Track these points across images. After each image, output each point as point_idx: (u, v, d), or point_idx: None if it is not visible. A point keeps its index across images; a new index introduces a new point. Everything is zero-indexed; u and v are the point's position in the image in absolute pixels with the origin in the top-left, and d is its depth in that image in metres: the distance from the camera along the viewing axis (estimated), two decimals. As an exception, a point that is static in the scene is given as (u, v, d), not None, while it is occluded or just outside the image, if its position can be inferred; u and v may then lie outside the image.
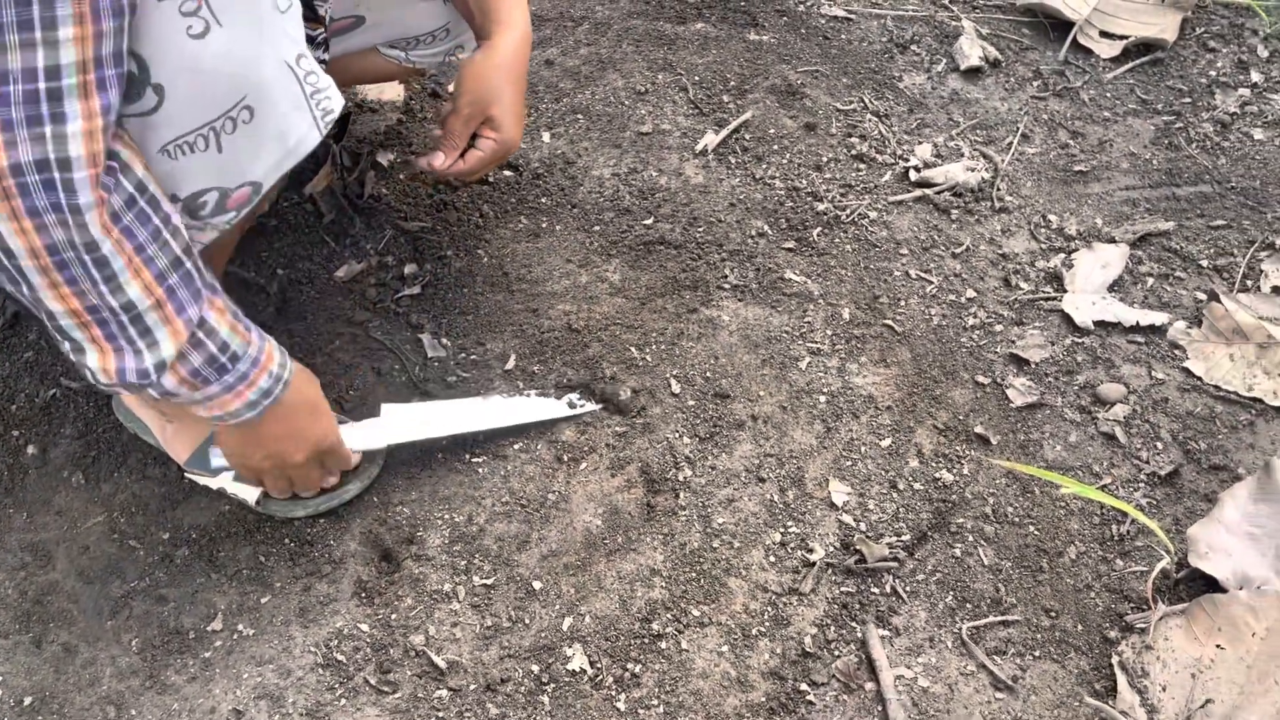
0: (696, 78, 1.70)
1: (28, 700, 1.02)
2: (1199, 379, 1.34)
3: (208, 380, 0.93)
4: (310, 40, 1.10)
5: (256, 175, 0.91)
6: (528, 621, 1.09)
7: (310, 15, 1.14)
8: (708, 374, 1.31)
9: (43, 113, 0.75)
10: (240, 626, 1.07)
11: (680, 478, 1.21)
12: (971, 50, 1.77)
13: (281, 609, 1.09)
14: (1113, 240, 1.50)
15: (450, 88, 1.20)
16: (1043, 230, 1.52)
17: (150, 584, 1.10)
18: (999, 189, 1.57)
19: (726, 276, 1.42)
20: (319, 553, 1.13)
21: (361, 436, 1.16)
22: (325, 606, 1.09)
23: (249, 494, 1.14)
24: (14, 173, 0.75)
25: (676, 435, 1.25)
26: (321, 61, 1.15)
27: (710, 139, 1.60)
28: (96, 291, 0.83)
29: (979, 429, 1.28)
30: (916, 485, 1.22)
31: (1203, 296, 1.43)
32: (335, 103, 0.94)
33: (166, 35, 0.81)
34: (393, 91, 1.59)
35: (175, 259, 0.87)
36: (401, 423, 1.19)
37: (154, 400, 0.98)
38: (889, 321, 1.39)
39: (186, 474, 1.15)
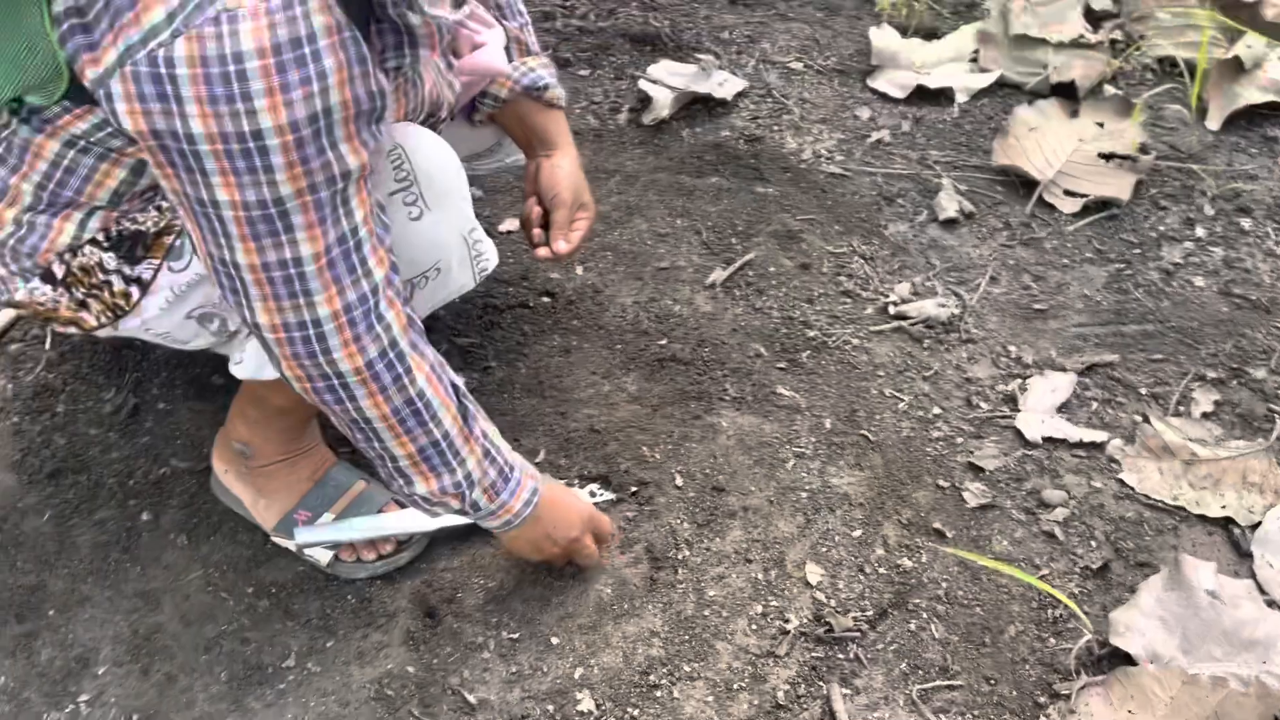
0: (710, 223, 1.98)
1: (136, 718, 1.24)
2: (1131, 489, 1.55)
3: (498, 491, 1.20)
4: None
5: (422, 313, 1.20)
6: (546, 670, 1.31)
7: None
8: (707, 471, 1.55)
9: (381, 310, 1.05)
10: (309, 665, 1.30)
11: (679, 557, 1.44)
12: (949, 204, 2.05)
13: (343, 652, 1.31)
14: (1063, 369, 1.73)
15: (529, 189, 1.49)
16: (1003, 359, 1.76)
17: (237, 628, 1.33)
18: (967, 323, 1.82)
19: (727, 390, 1.67)
20: (375, 607, 1.36)
21: (416, 518, 1.40)
22: (379, 651, 1.32)
23: (322, 558, 1.38)
24: (370, 366, 1.05)
25: (678, 521, 1.48)
26: None
27: (719, 274, 1.87)
28: (424, 430, 1.11)
29: (937, 525, 1.49)
30: (881, 570, 1.44)
31: (1139, 419, 1.65)
32: (491, 260, 1.27)
33: (398, 219, 1.12)
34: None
35: (457, 388, 1.15)
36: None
37: (453, 511, 1.23)
38: (865, 432, 1.62)
39: (272, 539, 1.40)
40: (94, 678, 1.26)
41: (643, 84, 2.26)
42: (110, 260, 1.15)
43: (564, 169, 1.47)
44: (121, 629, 1.31)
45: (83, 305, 1.18)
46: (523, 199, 1.50)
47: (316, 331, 1.03)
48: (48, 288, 1.17)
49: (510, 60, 1.45)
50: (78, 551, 1.38)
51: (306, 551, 1.38)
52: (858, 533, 1.48)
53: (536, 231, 1.47)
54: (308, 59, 0.91)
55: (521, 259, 1.87)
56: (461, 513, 1.23)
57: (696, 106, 2.27)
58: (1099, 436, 1.62)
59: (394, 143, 1.14)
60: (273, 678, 1.28)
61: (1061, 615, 1.39)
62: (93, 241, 1.14)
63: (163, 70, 0.89)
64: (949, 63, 2.44)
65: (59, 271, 1.16)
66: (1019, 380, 1.72)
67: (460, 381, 1.19)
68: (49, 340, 1.62)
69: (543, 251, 1.46)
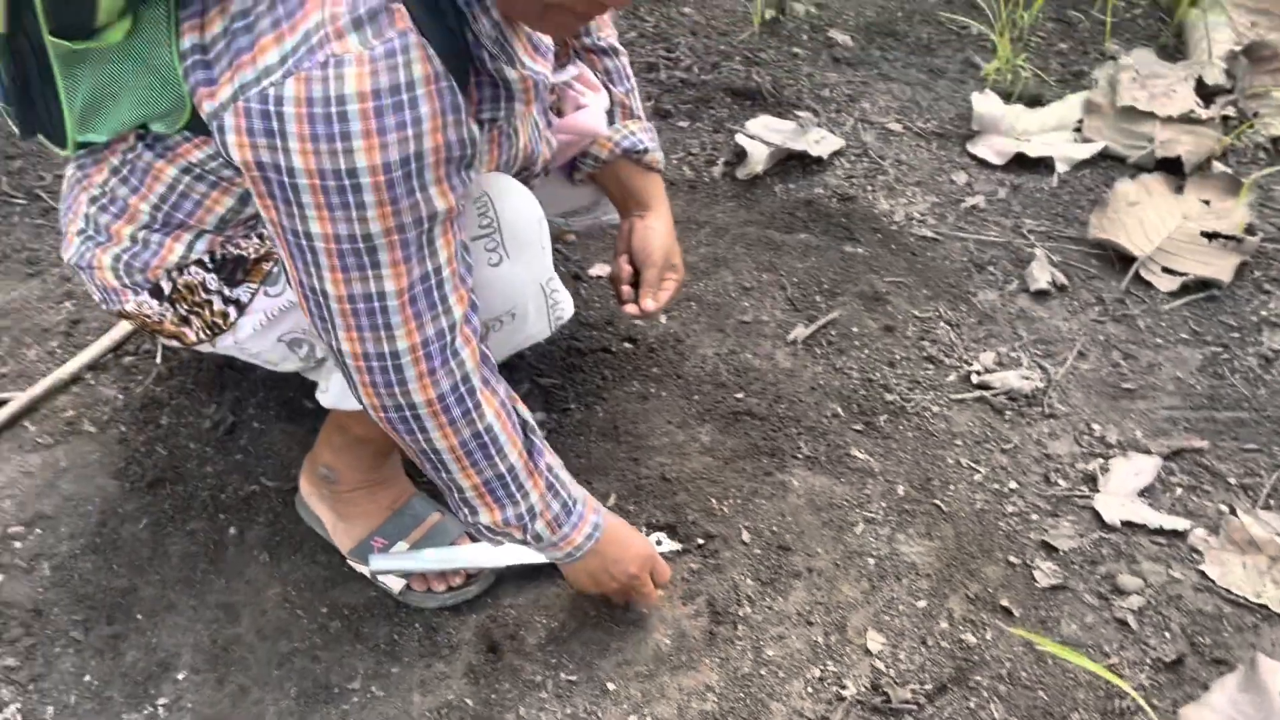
0: (795, 279, 2.00)
1: (208, 724, 1.30)
2: (1212, 582, 1.51)
3: (560, 524, 1.25)
4: None
5: (498, 357, 1.25)
6: (600, 714, 1.33)
7: None
8: (775, 528, 1.55)
9: (456, 346, 1.11)
10: (374, 688, 1.34)
11: (740, 613, 1.44)
12: (1042, 275, 2.03)
13: (406, 679, 1.35)
14: (1148, 451, 1.69)
15: (622, 248, 1.53)
16: (1085, 437, 1.73)
17: (309, 646, 1.38)
18: (1051, 397, 1.79)
19: (800, 448, 1.68)
20: (441, 638, 1.40)
21: (486, 554, 1.44)
22: (440, 681, 1.35)
23: (394, 585, 1.43)
24: (441, 399, 1.11)
25: (742, 577, 1.49)
26: None
27: (800, 331, 1.89)
28: (490, 463, 1.17)
29: (1005, 602, 1.47)
30: (944, 644, 1.42)
31: (1225, 510, 1.61)
32: (566, 310, 1.32)
33: (478, 263, 1.18)
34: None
35: (525, 425, 1.20)
36: (519, 545, 1.47)
37: (516, 541, 1.28)
38: (938, 501, 1.61)
39: (348, 562, 1.45)
40: (173, 683, 1.33)
41: (740, 138, 2.30)
42: (212, 281, 1.24)
43: (657, 230, 1.51)
44: (202, 638, 1.38)
45: (185, 321, 1.27)
46: (614, 254, 1.54)
47: (394, 363, 1.09)
48: (155, 302, 1.26)
49: (613, 123, 1.51)
50: (168, 560, 1.45)
51: (380, 578, 1.43)
52: (923, 603, 1.47)
53: (625, 289, 1.51)
54: (405, 105, 0.97)
55: (607, 304, 1.91)
56: (524, 543, 1.27)
57: (792, 163, 2.29)
58: (1181, 524, 1.58)
59: (482, 191, 1.20)
60: (338, 698, 1.33)
61: (1129, 708, 1.36)
62: (198, 262, 1.23)
63: (271, 108, 0.96)
64: (1051, 131, 2.41)
65: (166, 288, 1.25)
66: (1101, 460, 1.69)
67: (530, 417, 1.23)
68: (159, 355, 1.72)
69: (630, 308, 1.50)
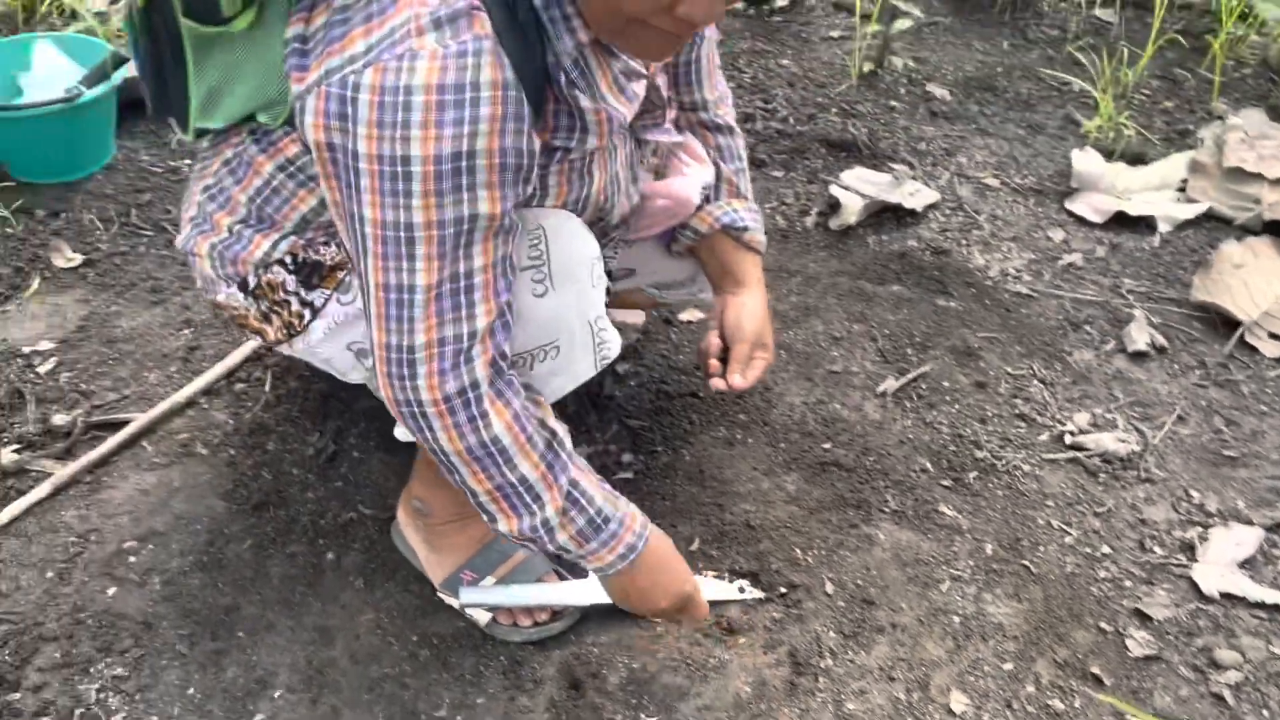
0: (887, 331, 2.00)
1: (300, 742, 1.35)
2: (1316, 660, 1.45)
3: (587, 539, 1.26)
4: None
5: (547, 392, 1.28)
6: (679, 758, 1.34)
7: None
8: (859, 582, 1.55)
9: (472, 354, 1.13)
10: (459, 718, 1.37)
11: (822, 665, 1.44)
12: (1140, 336, 1.99)
13: (491, 710, 1.38)
14: (1250, 522, 1.65)
15: (715, 323, 1.54)
16: (1184, 504, 1.69)
17: (398, 673, 1.42)
18: (1148, 461, 1.75)
19: (887, 502, 1.67)
20: (525, 672, 1.43)
21: (573, 592, 1.46)
22: (523, 715, 1.38)
23: (481, 618, 1.46)
24: (447, 400, 1.13)
25: (824, 629, 1.49)
26: (608, 293, 1.56)
27: (890, 384, 1.89)
28: (499, 471, 1.17)
29: (1095, 669, 1.44)
30: (1029, 708, 1.40)
31: (1332, 586, 1.55)
32: (613, 350, 1.31)
33: (520, 287, 1.20)
34: (635, 318, 1.98)
35: (547, 441, 1.21)
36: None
37: (546, 552, 1.29)
38: (1027, 562, 1.59)
39: (439, 593, 1.49)
40: (270, 700, 1.38)
41: (834, 189, 2.32)
42: (291, 282, 1.31)
43: (749, 308, 1.53)
44: (298, 658, 1.43)
45: (266, 318, 1.35)
46: (706, 330, 1.56)
47: (409, 357, 1.11)
48: (241, 295, 1.34)
49: (718, 199, 1.53)
50: (269, 581, 1.52)
51: (468, 610, 1.47)
52: (1009, 666, 1.45)
53: (714, 363, 1.52)
54: (466, 104, 1.01)
55: (696, 348, 1.94)
56: (549, 555, 1.29)
57: (886, 215, 2.30)
58: (1284, 599, 1.53)
59: (538, 223, 1.22)
60: (424, 725, 1.36)
61: (1224, 787, 1.31)
62: (280, 262, 1.31)
63: (349, 93, 1.02)
64: (1154, 190, 2.38)
65: (251, 282, 1.33)
66: (1199, 528, 1.64)
67: (561, 429, 1.22)
68: (268, 383, 1.80)
69: (718, 383, 1.50)
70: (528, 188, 1.13)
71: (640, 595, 1.35)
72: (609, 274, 1.53)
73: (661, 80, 1.39)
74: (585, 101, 1.16)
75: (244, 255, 1.31)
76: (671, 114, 1.45)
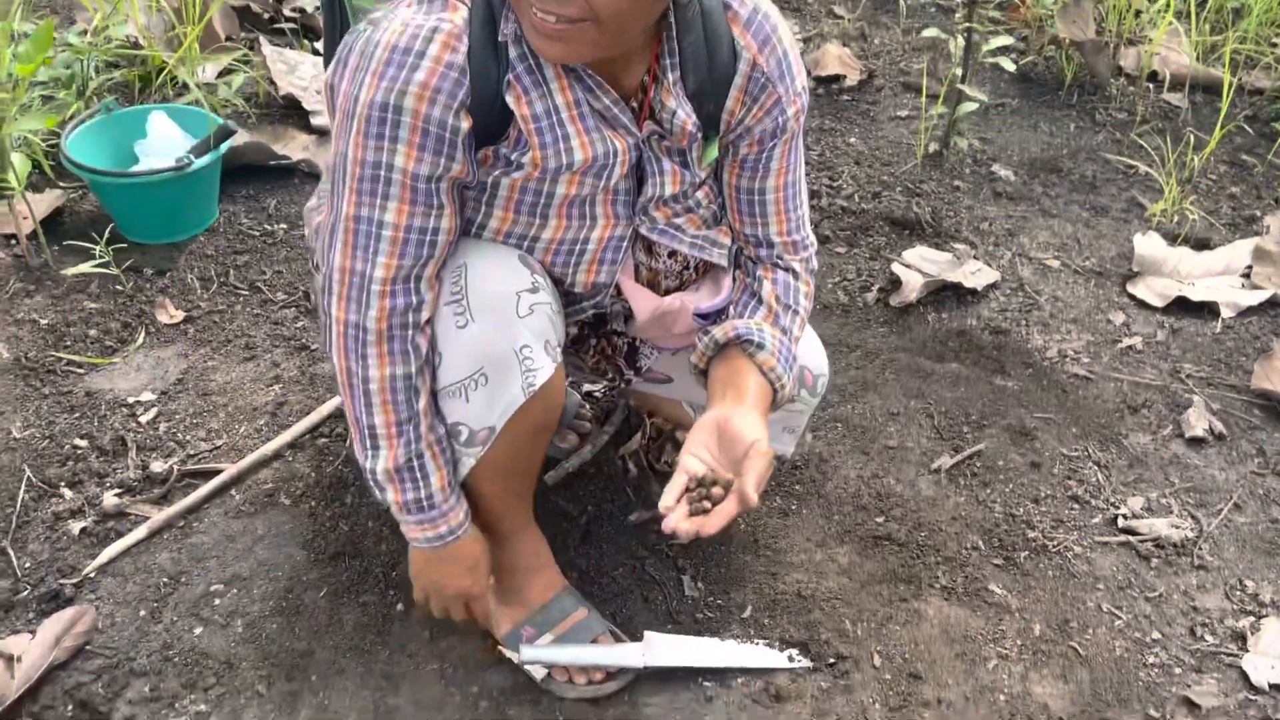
0: (943, 408, 2.05)
1: (365, 784, 1.42)
2: (1369, 758, 1.45)
3: (410, 510, 1.37)
4: (619, 380, 1.60)
5: (490, 421, 1.34)
6: (723, 821, 1.38)
7: (630, 363, 1.61)
8: (906, 655, 1.59)
9: (370, 297, 1.27)
10: (514, 769, 1.44)
11: (867, 736, 1.48)
12: (1199, 421, 2.01)
13: (545, 764, 1.45)
14: (1305, 614, 1.65)
15: (689, 453, 1.34)
16: (1237, 592, 1.70)
17: (459, 722, 1.50)
18: (1202, 549, 1.77)
19: (938, 578, 1.71)
20: (578, 728, 1.49)
21: (627, 655, 1.53)
22: (575, 770, 1.44)
23: (538, 673, 1.53)
24: (343, 324, 1.29)
25: (870, 700, 1.52)
26: (626, 381, 1.62)
27: (945, 460, 1.93)
28: (357, 407, 1.31)
29: (1140, 756, 1.46)
30: (1072, 791, 1.42)
31: (1388, 683, 1.54)
32: (539, 377, 1.32)
33: (446, 323, 1.31)
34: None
35: (410, 416, 1.31)
36: (659, 648, 1.55)
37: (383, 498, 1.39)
38: (1075, 644, 1.61)
39: (499, 647, 1.57)
40: (338, 742, 1.46)
41: (896, 266, 2.38)
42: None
43: (753, 420, 1.33)
44: (367, 703, 1.51)
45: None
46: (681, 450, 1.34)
47: (331, 274, 1.29)
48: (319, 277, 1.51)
49: (753, 316, 1.44)
50: (342, 628, 1.61)
51: (526, 665, 1.54)
52: (1053, 747, 1.47)
53: (668, 504, 1.28)
54: (406, 66, 1.19)
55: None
56: (388, 507, 1.39)
57: (946, 293, 2.36)
58: (1338, 694, 1.52)
59: (461, 261, 1.32)
60: (481, 774, 1.43)
61: None
62: None
63: (351, 43, 1.26)
64: (1217, 276, 2.40)
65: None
66: (1252, 618, 1.65)
67: (437, 424, 1.34)
68: (349, 440, 1.91)
69: (682, 526, 1.26)
70: (452, 164, 1.25)
71: (434, 576, 1.46)
72: (636, 369, 1.60)
73: (702, 193, 1.42)
74: (512, 101, 1.25)
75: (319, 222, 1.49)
76: (722, 237, 1.47)
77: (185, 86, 2.71)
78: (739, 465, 1.29)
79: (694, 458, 1.32)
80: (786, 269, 1.49)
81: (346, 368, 1.30)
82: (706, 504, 1.28)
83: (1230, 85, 2.77)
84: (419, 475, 1.35)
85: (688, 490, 1.29)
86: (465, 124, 1.23)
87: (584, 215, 1.36)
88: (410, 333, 1.29)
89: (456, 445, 1.38)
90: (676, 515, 1.26)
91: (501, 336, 1.30)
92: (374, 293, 1.27)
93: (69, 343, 2.10)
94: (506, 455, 1.40)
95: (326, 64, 1.47)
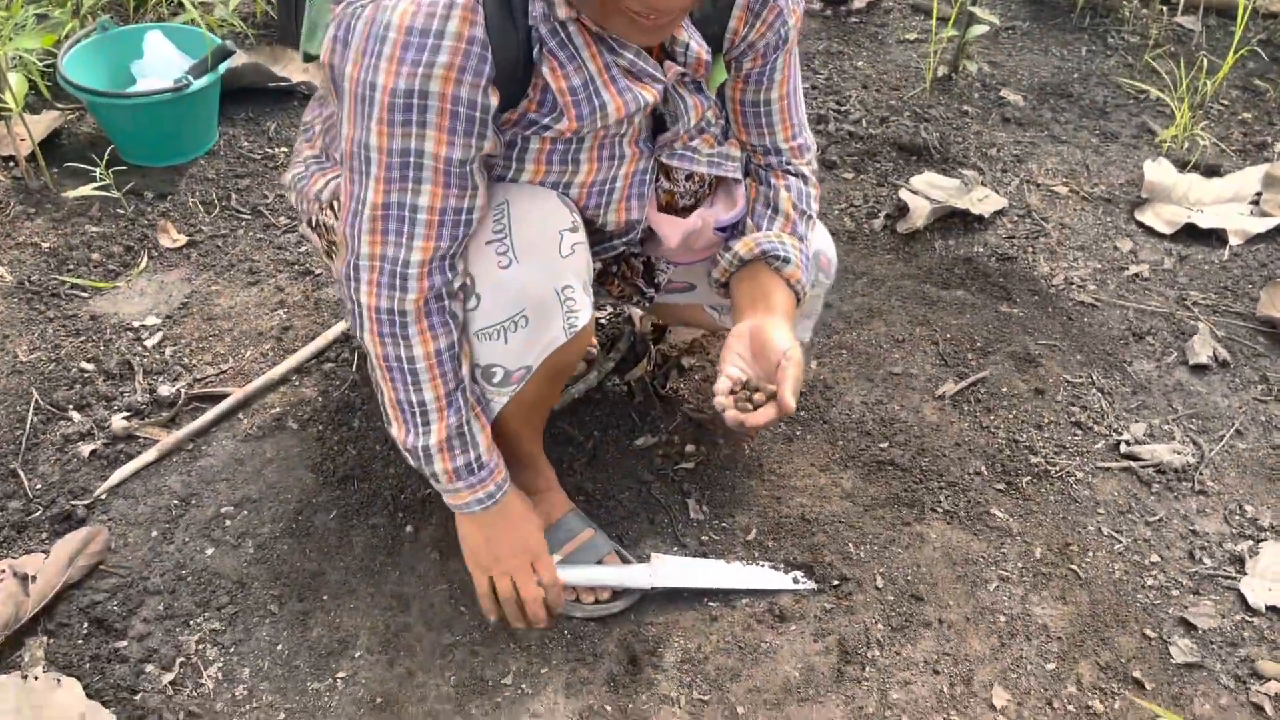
0: (948, 335, 2.05)
1: (379, 700, 1.45)
2: (1360, 677, 1.48)
3: (460, 476, 1.35)
4: (641, 300, 1.59)
5: (528, 361, 1.35)
6: (728, 735, 1.42)
7: (649, 281, 1.61)
8: (909, 578, 1.61)
9: (408, 280, 1.24)
10: (524, 686, 1.47)
11: (869, 655, 1.51)
12: (1203, 349, 2.01)
13: (553, 680, 1.48)
14: (1302, 538, 1.67)
15: (726, 358, 1.44)
16: (1236, 517, 1.72)
17: (469, 640, 1.52)
18: (1202, 474, 1.78)
19: (940, 502, 1.73)
20: (586, 646, 1.52)
21: (634, 575, 1.55)
22: (583, 686, 1.47)
23: (546, 592, 1.56)
24: (377, 311, 1.25)
25: (873, 621, 1.55)
26: (649, 299, 1.62)
27: (949, 387, 1.94)
28: (404, 388, 1.28)
29: (1136, 674, 1.49)
30: (1070, 707, 1.45)
31: (1382, 605, 1.57)
32: (581, 318, 1.35)
33: (487, 263, 1.29)
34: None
35: (459, 384, 1.30)
36: (665, 569, 1.58)
37: (425, 471, 1.38)
38: (1075, 567, 1.63)
39: (508, 567, 1.59)
40: (351, 659, 1.49)
41: (903, 193, 2.36)
42: (336, 225, 1.45)
43: (783, 329, 1.42)
44: (377, 622, 1.54)
45: (329, 254, 1.50)
46: (720, 359, 1.44)
47: (358, 262, 1.25)
48: (310, 232, 1.52)
49: (771, 228, 1.50)
50: (352, 549, 1.63)
51: (535, 585, 1.56)
52: (1051, 665, 1.50)
53: (726, 399, 1.42)
54: (426, 48, 1.12)
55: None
56: (433, 477, 1.37)
57: (953, 220, 2.34)
58: (1332, 616, 1.55)
59: (503, 199, 1.30)
60: (492, 690, 1.46)
61: (1257, 793, 1.35)
62: (331, 205, 1.45)
63: (349, 21, 1.20)
64: (1226, 203, 2.38)
65: (315, 219, 1.49)
66: (1250, 542, 1.67)
67: (475, 387, 1.34)
68: (355, 363, 1.91)
69: (735, 416, 1.39)
70: (483, 142, 1.21)
71: (486, 541, 1.42)
72: (656, 286, 1.60)
73: (712, 112, 1.42)
74: (548, 74, 1.23)
75: (308, 189, 1.48)
76: (733, 150, 1.48)
77: (180, 5, 2.65)
78: (772, 373, 1.40)
79: (733, 365, 1.43)
80: (797, 174, 1.53)
81: (384, 354, 1.27)
82: (749, 405, 1.41)
83: (1245, 8, 2.72)
84: (468, 439, 1.35)
85: (733, 392, 1.42)
86: (494, 100, 1.19)
87: (613, 155, 1.36)
88: (446, 303, 1.28)
89: (488, 386, 1.38)
90: (728, 404, 1.40)
91: (546, 277, 1.31)
92: (412, 276, 1.24)
93: (71, 266, 2.09)
94: (534, 392, 1.41)
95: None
